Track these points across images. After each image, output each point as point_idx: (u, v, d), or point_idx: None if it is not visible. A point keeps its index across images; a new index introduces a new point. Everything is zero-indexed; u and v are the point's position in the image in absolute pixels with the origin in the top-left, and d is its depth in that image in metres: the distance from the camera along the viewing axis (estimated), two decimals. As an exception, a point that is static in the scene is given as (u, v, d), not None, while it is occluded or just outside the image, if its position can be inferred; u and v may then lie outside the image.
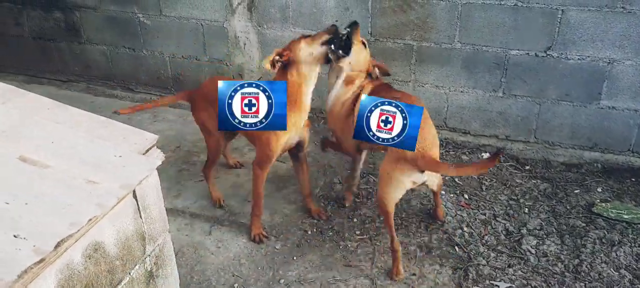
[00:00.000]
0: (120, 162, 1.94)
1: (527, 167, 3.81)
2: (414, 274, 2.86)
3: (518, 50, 3.66)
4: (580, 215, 3.28)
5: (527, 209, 3.34)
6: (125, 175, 1.87)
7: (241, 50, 4.45)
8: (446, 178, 3.63)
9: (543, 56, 3.61)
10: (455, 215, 3.29)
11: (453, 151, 4.02)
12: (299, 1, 4.08)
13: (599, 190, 3.52)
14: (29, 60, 5.35)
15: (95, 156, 1.93)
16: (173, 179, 3.68)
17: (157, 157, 2.04)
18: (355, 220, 3.27)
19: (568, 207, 3.35)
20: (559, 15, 3.46)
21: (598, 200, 3.38)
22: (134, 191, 1.90)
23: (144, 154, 2.03)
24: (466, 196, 3.48)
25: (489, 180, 3.66)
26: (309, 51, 2.75)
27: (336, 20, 4.03)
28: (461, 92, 3.96)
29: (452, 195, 3.48)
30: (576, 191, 3.51)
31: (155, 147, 2.08)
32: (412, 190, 2.93)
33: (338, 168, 3.79)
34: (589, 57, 3.52)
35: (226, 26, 4.39)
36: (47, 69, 5.34)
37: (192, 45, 4.59)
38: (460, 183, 3.61)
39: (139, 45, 4.79)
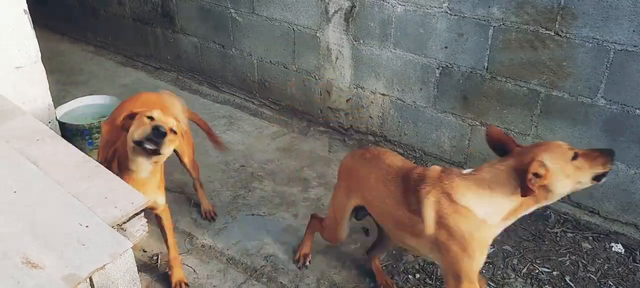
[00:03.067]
0: (83, 235, 1.45)
1: (674, 278, 2.82)
2: None
3: (688, 123, 2.67)
4: None
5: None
6: (79, 259, 1.38)
7: (332, 65, 3.87)
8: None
9: None
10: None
11: (571, 232, 3.12)
12: (404, 18, 3.39)
13: None
14: (127, 41, 5.25)
15: (53, 223, 1.46)
16: (224, 206, 3.22)
17: (138, 231, 1.53)
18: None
19: None
20: None
21: None
22: (90, 280, 1.41)
23: (121, 225, 1.53)
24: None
25: (614, 284, 2.75)
26: None
27: (446, 47, 3.29)
28: (596, 161, 3.03)
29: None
30: None
31: (141, 216, 1.57)
32: None
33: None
34: None
35: (319, 35, 3.83)
36: (142, 53, 5.19)
37: (281, 51, 4.10)
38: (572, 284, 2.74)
39: (229, 42, 4.40)
